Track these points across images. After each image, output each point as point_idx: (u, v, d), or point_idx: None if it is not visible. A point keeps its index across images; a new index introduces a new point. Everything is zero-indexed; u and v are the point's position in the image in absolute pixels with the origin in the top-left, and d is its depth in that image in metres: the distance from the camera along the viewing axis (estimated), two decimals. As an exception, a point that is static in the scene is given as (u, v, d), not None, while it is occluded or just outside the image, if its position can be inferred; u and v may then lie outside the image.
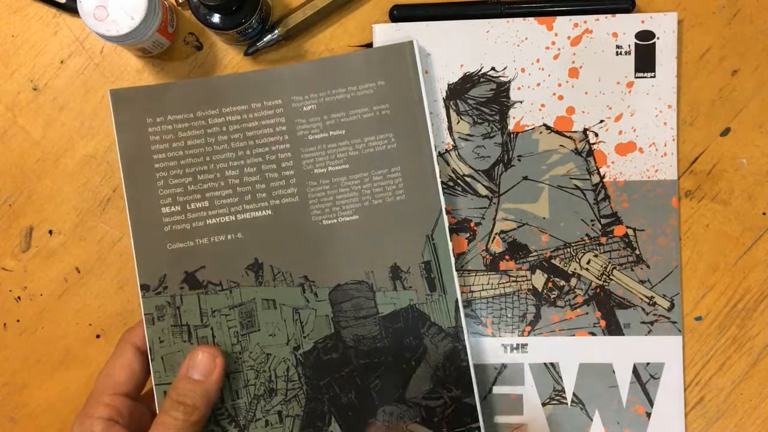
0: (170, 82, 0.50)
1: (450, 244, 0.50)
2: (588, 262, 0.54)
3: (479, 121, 0.54)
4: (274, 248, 0.49)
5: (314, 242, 0.50)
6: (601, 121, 0.54)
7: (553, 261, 0.54)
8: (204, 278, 0.49)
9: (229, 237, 0.49)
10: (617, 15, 0.54)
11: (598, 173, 0.54)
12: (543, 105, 0.54)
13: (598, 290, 0.53)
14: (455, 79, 0.54)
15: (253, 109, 0.50)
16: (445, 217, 0.50)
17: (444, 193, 0.54)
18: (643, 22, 0.53)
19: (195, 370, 0.46)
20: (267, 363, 0.49)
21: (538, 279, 0.54)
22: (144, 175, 0.49)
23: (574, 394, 0.53)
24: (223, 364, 0.47)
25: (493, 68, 0.54)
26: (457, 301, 0.50)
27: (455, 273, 0.50)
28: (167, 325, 0.49)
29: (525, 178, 0.54)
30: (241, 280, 0.49)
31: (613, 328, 0.53)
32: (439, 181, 0.50)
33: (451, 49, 0.54)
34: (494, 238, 0.54)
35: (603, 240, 0.54)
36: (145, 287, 0.49)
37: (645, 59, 0.54)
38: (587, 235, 0.54)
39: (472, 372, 0.49)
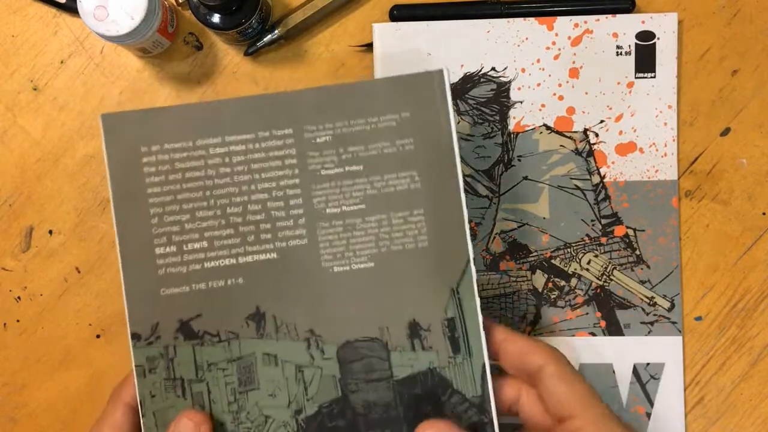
0: (168, 106, 0.45)
1: (478, 299, 0.43)
2: (588, 263, 0.54)
3: (479, 121, 0.54)
4: (278, 296, 0.44)
5: (323, 291, 0.44)
6: (602, 122, 0.54)
7: (553, 261, 0.54)
8: (200, 328, 0.44)
9: (229, 282, 0.44)
10: (617, 15, 0.54)
11: (599, 173, 0.54)
12: (543, 105, 0.54)
13: (598, 290, 0.54)
14: (455, 79, 0.54)
15: (259, 138, 0.44)
16: (473, 268, 0.43)
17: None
18: (643, 22, 0.53)
19: None
20: (265, 426, 0.44)
21: (539, 279, 0.54)
22: (137, 212, 0.43)
23: (574, 394, 0.53)
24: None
25: (493, 68, 0.54)
26: (484, 365, 0.42)
27: (483, 333, 0.43)
28: (159, 378, 0.43)
29: (525, 178, 0.54)
30: (241, 332, 0.44)
31: (613, 329, 0.53)
32: (467, 227, 0.43)
33: (451, 49, 0.54)
34: (494, 238, 0.54)
35: (603, 240, 0.54)
36: (136, 336, 0.43)
37: (645, 59, 0.54)
38: (587, 235, 0.54)
39: None
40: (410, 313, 0.44)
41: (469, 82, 0.54)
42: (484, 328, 0.42)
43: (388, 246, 0.44)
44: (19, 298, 0.55)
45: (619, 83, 0.54)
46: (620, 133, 0.54)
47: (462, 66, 0.54)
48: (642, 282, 0.53)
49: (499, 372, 0.44)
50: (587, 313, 0.53)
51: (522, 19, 0.54)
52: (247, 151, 0.44)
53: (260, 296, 0.44)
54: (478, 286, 0.43)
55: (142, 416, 0.43)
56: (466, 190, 0.54)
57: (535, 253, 0.54)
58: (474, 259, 0.43)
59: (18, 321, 0.55)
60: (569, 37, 0.54)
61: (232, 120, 0.44)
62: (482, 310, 0.54)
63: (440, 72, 0.44)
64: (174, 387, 0.43)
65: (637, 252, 0.53)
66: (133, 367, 0.43)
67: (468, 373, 0.43)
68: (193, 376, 0.43)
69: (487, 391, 0.43)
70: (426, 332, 0.43)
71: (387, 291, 0.44)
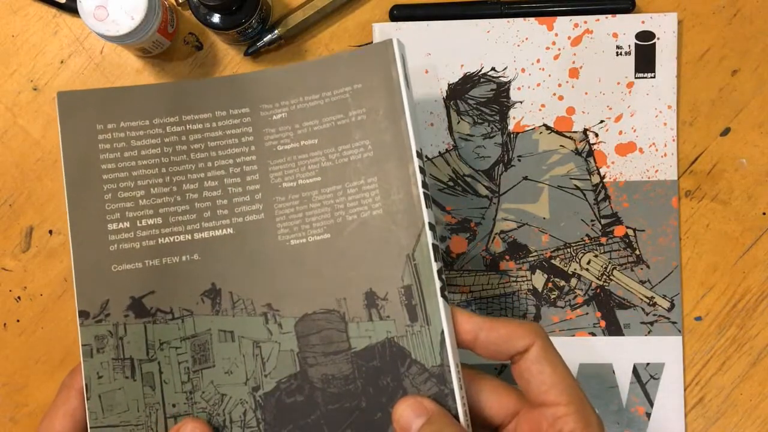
0: (127, 86, 0.45)
1: (434, 264, 0.41)
2: (588, 263, 0.54)
3: (479, 121, 0.54)
4: (234, 272, 0.43)
5: (280, 265, 0.44)
6: (602, 122, 0.54)
7: (553, 261, 0.54)
8: (152, 305, 0.43)
9: (183, 258, 0.43)
10: (617, 15, 0.54)
11: (598, 173, 0.54)
12: (543, 105, 0.54)
13: (598, 290, 0.54)
14: (455, 79, 0.54)
15: (217, 117, 0.45)
16: (429, 233, 0.42)
17: (444, 192, 0.54)
18: (643, 22, 0.53)
19: None
20: (221, 405, 0.43)
21: (538, 279, 0.54)
22: (89, 187, 0.43)
23: (574, 394, 0.53)
24: None
25: (493, 68, 0.54)
26: (442, 333, 0.41)
27: (441, 300, 0.41)
28: (107, 358, 0.42)
29: (525, 178, 0.54)
30: (196, 308, 0.43)
31: (613, 329, 0.53)
32: (422, 192, 0.42)
33: (451, 49, 0.54)
34: (494, 238, 0.54)
35: (603, 240, 0.54)
36: (83, 314, 0.42)
37: (645, 59, 0.54)
38: (587, 235, 0.54)
39: (462, 419, 0.40)
40: (367, 283, 0.43)
41: (469, 82, 0.54)
42: (454, 316, 0.41)
43: (343, 216, 0.44)
44: (19, 298, 0.55)
45: (618, 83, 0.54)
46: (620, 133, 0.54)
47: (462, 66, 0.54)
48: (642, 282, 0.53)
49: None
50: (587, 313, 0.53)
51: (522, 19, 0.54)
52: (204, 130, 0.45)
53: (216, 272, 0.43)
54: (437, 252, 0.42)
55: (87, 399, 0.41)
56: (466, 190, 0.54)
57: (535, 253, 0.54)
58: (431, 224, 0.42)
59: (18, 321, 0.55)
60: (569, 37, 0.54)
61: (190, 101, 0.45)
62: (482, 310, 0.54)
63: (389, 42, 0.44)
64: (123, 368, 0.42)
65: (637, 252, 0.53)
66: (80, 346, 0.42)
67: (426, 342, 0.42)
68: (144, 355, 0.42)
69: (447, 360, 0.41)
70: (383, 301, 0.42)
71: (344, 262, 0.43)
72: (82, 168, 0.43)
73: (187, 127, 0.45)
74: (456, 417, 0.40)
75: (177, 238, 0.44)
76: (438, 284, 0.42)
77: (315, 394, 0.43)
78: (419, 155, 0.43)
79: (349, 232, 0.44)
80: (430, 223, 0.42)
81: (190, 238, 0.44)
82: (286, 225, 0.44)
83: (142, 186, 0.44)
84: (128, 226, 0.43)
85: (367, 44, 0.45)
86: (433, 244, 0.42)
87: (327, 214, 0.44)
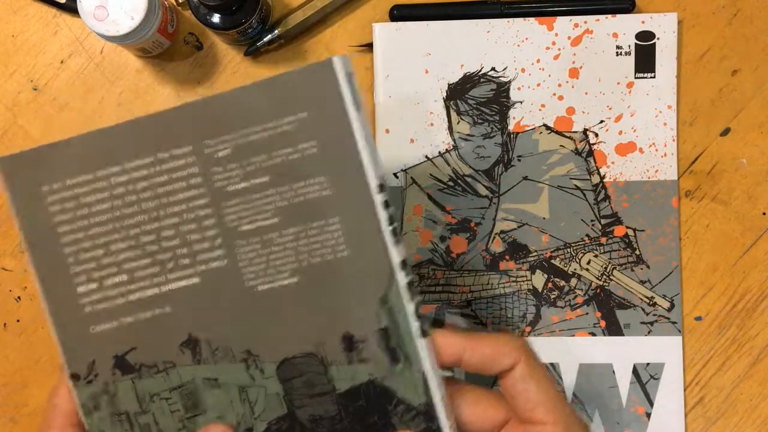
0: (64, 139, 0.43)
1: (409, 306, 0.40)
2: (588, 263, 0.54)
3: (479, 121, 0.54)
4: (208, 321, 0.43)
5: (252, 311, 0.42)
6: (601, 122, 0.54)
7: (553, 261, 0.54)
8: (136, 361, 0.43)
9: (156, 312, 0.43)
10: (617, 15, 0.54)
11: (598, 173, 0.54)
12: (543, 105, 0.54)
13: (598, 290, 0.54)
14: (455, 79, 0.54)
15: (160, 160, 0.42)
16: (400, 273, 0.40)
17: (444, 192, 0.54)
18: (643, 22, 0.53)
19: None
20: None
21: (538, 279, 0.54)
22: (52, 253, 0.43)
23: (574, 394, 0.53)
24: None
25: (493, 68, 0.54)
26: (424, 373, 0.40)
27: (419, 340, 0.40)
28: (105, 414, 0.43)
29: (525, 178, 0.54)
30: (177, 360, 0.43)
31: (613, 329, 0.53)
32: (388, 231, 0.40)
33: (451, 49, 0.54)
34: (494, 238, 0.54)
35: (603, 240, 0.54)
36: (75, 377, 0.43)
37: (645, 59, 0.54)
38: (587, 235, 0.54)
39: None
40: (343, 326, 0.42)
41: (469, 82, 0.54)
42: (435, 342, 0.41)
43: (308, 259, 0.42)
44: (19, 298, 0.55)
45: (618, 83, 0.54)
46: (620, 133, 0.54)
47: (462, 66, 0.54)
48: (642, 282, 0.53)
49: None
50: (587, 313, 0.53)
51: (522, 19, 0.54)
52: (149, 176, 0.42)
53: (191, 322, 0.43)
54: (412, 291, 0.41)
55: None
56: (466, 190, 0.54)
57: (535, 253, 0.54)
58: (403, 263, 0.41)
59: (18, 321, 0.55)
60: (569, 37, 0.54)
61: (128, 144, 0.42)
62: (482, 310, 0.54)
63: (329, 62, 0.40)
64: (120, 421, 0.43)
65: (637, 252, 0.53)
66: (78, 407, 0.43)
67: (410, 381, 0.41)
68: (138, 408, 0.43)
69: (432, 398, 0.41)
70: (361, 344, 0.41)
71: (315, 305, 0.42)
72: (41, 235, 0.43)
73: (132, 175, 0.42)
74: None
75: (145, 293, 0.43)
76: (415, 325, 0.41)
77: None
78: (381, 188, 0.41)
79: (317, 275, 0.42)
80: (402, 261, 0.41)
81: (158, 291, 0.43)
82: (251, 270, 0.42)
83: (100, 244, 0.43)
84: (96, 287, 0.43)
85: (298, 69, 0.41)
86: (407, 283, 0.41)
87: (291, 257, 0.42)
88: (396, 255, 0.41)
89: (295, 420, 0.43)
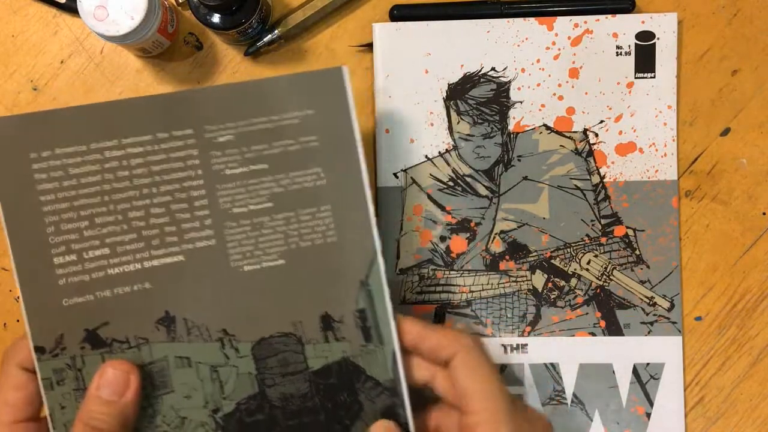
0: (60, 108, 0.43)
1: (387, 289, 0.44)
2: (588, 263, 0.54)
3: (479, 121, 0.54)
4: (187, 299, 0.43)
5: (234, 291, 0.44)
6: (601, 122, 0.54)
7: (553, 261, 0.54)
8: (108, 336, 0.43)
9: (135, 288, 0.43)
10: (617, 15, 0.54)
11: (598, 173, 0.54)
12: (543, 105, 0.54)
13: (598, 290, 0.54)
14: (455, 79, 0.54)
15: (159, 139, 0.43)
16: (381, 260, 0.44)
17: (444, 192, 0.54)
18: (643, 22, 0.53)
19: (106, 389, 0.41)
20: (182, 428, 0.43)
21: (538, 279, 0.54)
22: (31, 222, 0.42)
23: (574, 395, 0.53)
24: (138, 382, 0.41)
25: (493, 68, 0.54)
26: (394, 352, 0.44)
27: (393, 321, 0.44)
28: (69, 389, 0.42)
29: (525, 178, 0.54)
30: (151, 336, 0.43)
31: (613, 329, 0.53)
32: (374, 221, 0.44)
33: (451, 49, 0.54)
34: (494, 238, 0.54)
35: (603, 240, 0.54)
36: (39, 350, 0.42)
37: (645, 59, 0.54)
38: (587, 235, 0.54)
39: (411, 427, 0.44)
40: (322, 307, 0.44)
41: (469, 82, 0.54)
42: (399, 326, 0.44)
43: (297, 243, 0.44)
44: (18, 298, 0.55)
45: (618, 83, 0.54)
46: (620, 133, 0.54)
47: (462, 66, 0.54)
48: (642, 282, 0.53)
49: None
50: (587, 313, 0.53)
51: (522, 19, 0.54)
52: (146, 153, 0.43)
53: (169, 300, 0.43)
54: (389, 276, 0.45)
55: (53, 429, 0.42)
56: (466, 190, 0.54)
57: (535, 253, 0.54)
58: (381, 251, 0.44)
59: (18, 321, 0.55)
60: (569, 37, 0.54)
61: (128, 121, 0.43)
62: (482, 310, 0.54)
63: (339, 69, 0.44)
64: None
65: (637, 252, 0.53)
66: (39, 381, 0.42)
67: (380, 359, 0.44)
68: None
69: (398, 375, 0.44)
70: (338, 324, 0.44)
71: (299, 287, 0.44)
72: (20, 201, 0.42)
73: (128, 150, 0.43)
74: (406, 425, 0.43)
75: (126, 268, 0.43)
76: (389, 307, 0.44)
77: (275, 412, 0.44)
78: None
79: (304, 258, 0.44)
80: (381, 251, 0.44)
81: (139, 267, 0.43)
82: (238, 251, 0.44)
83: (85, 216, 0.42)
84: (75, 258, 0.42)
85: (312, 71, 0.44)
86: (384, 270, 0.44)
87: (280, 240, 0.44)
88: (379, 243, 0.44)
89: (265, 399, 0.44)
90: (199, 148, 0.43)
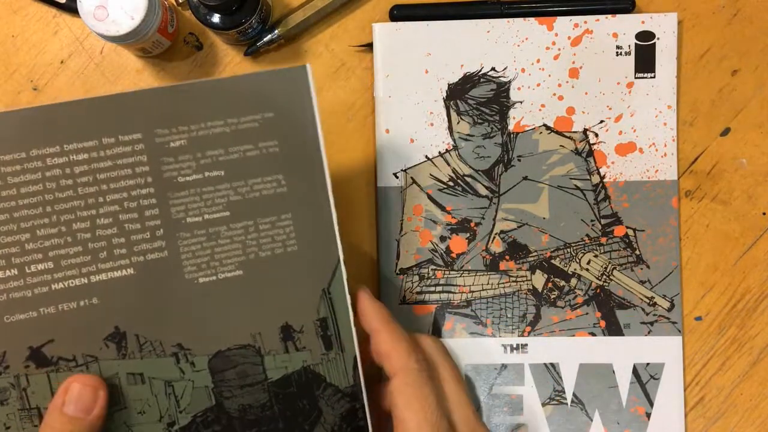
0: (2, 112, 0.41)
1: (348, 297, 0.43)
2: (588, 263, 0.54)
3: (479, 121, 0.54)
4: (139, 314, 0.41)
5: (189, 304, 0.42)
6: (601, 122, 0.54)
7: (553, 261, 0.54)
8: (53, 354, 0.40)
9: (81, 304, 0.41)
10: (617, 15, 0.54)
11: (598, 173, 0.54)
12: (543, 105, 0.54)
13: (598, 290, 0.54)
14: (455, 79, 0.54)
15: (104, 145, 0.40)
16: (344, 268, 0.43)
17: (444, 192, 0.54)
18: (643, 22, 0.53)
19: (72, 405, 0.39)
20: None
21: (538, 279, 0.54)
22: None
23: (574, 395, 0.53)
24: (106, 398, 0.40)
25: (493, 68, 0.54)
26: (355, 358, 0.43)
27: (354, 329, 0.43)
28: (13, 409, 0.40)
29: (525, 178, 0.54)
30: (100, 354, 0.41)
31: (613, 329, 0.53)
32: (337, 228, 0.43)
33: (451, 49, 0.54)
34: (494, 238, 0.54)
35: (603, 240, 0.54)
36: None
37: (645, 59, 0.54)
38: (587, 235, 0.54)
39: (370, 430, 0.44)
40: (282, 317, 0.43)
41: (469, 82, 0.54)
42: (358, 307, 0.44)
43: (256, 252, 0.42)
44: None
45: (618, 83, 0.54)
46: (620, 133, 0.54)
47: (462, 66, 0.54)
48: (642, 282, 0.53)
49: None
50: (587, 313, 0.53)
51: (522, 19, 0.54)
52: (91, 160, 0.40)
53: (119, 315, 0.41)
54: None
55: None
56: (466, 190, 0.54)
57: (535, 253, 0.54)
58: (343, 259, 0.43)
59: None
60: (569, 37, 0.54)
61: (70, 126, 0.40)
62: (482, 310, 0.54)
63: (302, 68, 0.41)
64: (30, 417, 0.41)
65: (637, 252, 0.53)
66: None
67: (341, 366, 0.43)
68: (47, 404, 0.41)
69: (359, 381, 0.43)
70: (299, 333, 0.43)
71: (258, 298, 0.42)
72: None
73: (71, 158, 0.40)
74: (365, 425, 0.44)
75: (72, 283, 0.41)
76: (351, 315, 0.43)
77: (233, 422, 0.43)
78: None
79: (263, 269, 0.43)
80: (343, 259, 0.43)
81: (86, 281, 0.41)
82: (192, 262, 0.42)
83: (26, 228, 0.40)
84: (16, 273, 0.40)
85: (271, 71, 0.42)
86: (346, 277, 0.43)
87: (238, 250, 0.42)
88: (341, 251, 0.43)
89: (222, 410, 0.43)
90: (148, 154, 0.41)
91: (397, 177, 0.54)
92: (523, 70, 0.54)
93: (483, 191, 0.54)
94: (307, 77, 0.41)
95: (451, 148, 0.54)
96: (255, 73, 0.42)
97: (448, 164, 0.54)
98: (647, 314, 0.53)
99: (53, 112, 0.40)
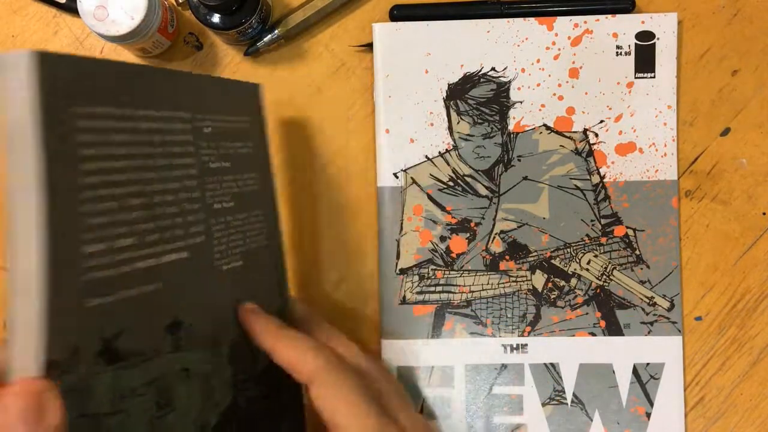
0: (101, 58, 0.37)
1: (289, 288, 0.48)
2: (588, 263, 0.54)
3: (479, 121, 0.54)
4: (188, 301, 0.37)
5: (217, 291, 0.40)
6: (601, 122, 0.54)
7: (553, 261, 0.54)
8: (123, 347, 0.33)
9: (151, 288, 0.35)
10: (617, 15, 0.54)
11: (598, 173, 0.54)
12: (543, 105, 0.54)
13: (598, 290, 0.54)
14: (455, 79, 0.54)
15: (169, 117, 0.37)
16: (286, 261, 0.47)
17: (444, 192, 0.54)
18: (643, 22, 0.53)
19: (19, 417, 0.29)
20: None
21: (538, 279, 0.54)
22: (66, 193, 0.31)
23: (574, 395, 0.53)
24: (61, 405, 0.30)
25: (493, 68, 0.54)
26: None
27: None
28: (72, 417, 0.31)
29: (525, 178, 0.54)
30: (160, 346, 0.35)
31: (613, 329, 0.53)
32: (281, 225, 0.47)
33: (451, 49, 0.54)
34: (494, 238, 0.54)
35: (603, 240, 0.54)
36: (53, 365, 0.30)
37: (645, 59, 0.54)
38: (587, 235, 0.54)
39: None
40: (270, 307, 0.43)
41: (469, 82, 0.54)
42: (247, 325, 0.42)
43: (249, 244, 0.43)
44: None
45: (618, 83, 0.54)
46: (620, 133, 0.54)
47: (462, 66, 0.54)
48: (642, 282, 0.53)
49: None
50: (587, 313, 0.53)
51: (522, 19, 0.54)
52: (164, 131, 0.36)
53: (176, 303, 0.37)
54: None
55: None
56: (466, 190, 0.54)
57: (534, 253, 0.54)
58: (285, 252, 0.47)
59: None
60: (569, 37, 0.54)
61: (152, 90, 0.36)
62: (482, 310, 0.54)
63: (260, 87, 0.47)
64: (88, 427, 0.32)
65: (637, 252, 0.53)
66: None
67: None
68: (109, 409, 0.33)
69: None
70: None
71: (249, 287, 0.43)
72: (60, 165, 0.30)
73: (151, 125, 0.36)
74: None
75: (148, 263, 0.35)
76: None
77: (245, 416, 0.42)
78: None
79: (254, 260, 0.43)
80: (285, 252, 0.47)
81: (156, 262, 0.35)
82: (218, 249, 0.40)
83: (118, 195, 0.33)
84: (104, 247, 0.32)
85: (244, 82, 0.47)
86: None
87: (240, 240, 0.42)
88: (284, 244, 0.47)
89: (237, 406, 0.41)
90: (192, 135, 0.38)
91: (397, 177, 0.54)
92: (523, 70, 0.54)
93: (483, 191, 0.54)
94: (260, 94, 0.47)
95: (451, 148, 0.54)
96: (239, 81, 0.46)
97: (448, 164, 0.54)
98: (647, 314, 0.53)
99: (149, 73, 0.36)
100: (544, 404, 0.53)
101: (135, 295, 0.34)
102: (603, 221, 0.54)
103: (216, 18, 0.51)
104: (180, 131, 0.38)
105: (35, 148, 0.29)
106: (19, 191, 0.29)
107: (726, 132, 0.55)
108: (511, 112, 0.54)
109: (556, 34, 0.54)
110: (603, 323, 0.53)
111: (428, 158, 0.54)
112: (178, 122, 0.38)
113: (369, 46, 0.55)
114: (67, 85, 0.31)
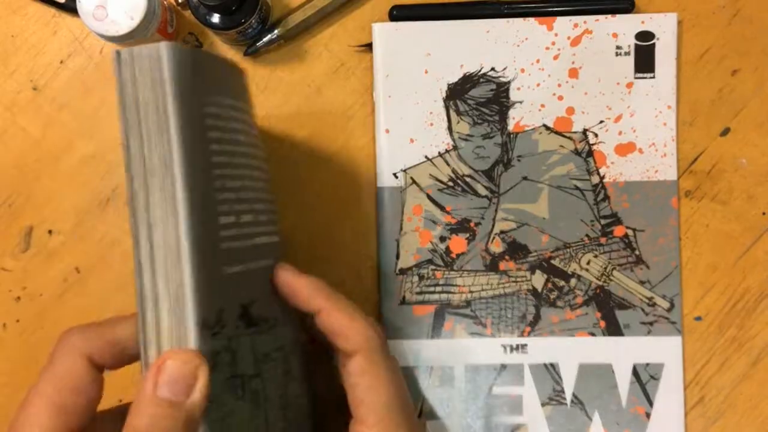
0: (212, 53, 0.39)
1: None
2: (588, 263, 0.54)
3: (479, 121, 0.54)
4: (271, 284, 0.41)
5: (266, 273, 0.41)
6: (601, 122, 0.54)
7: (552, 261, 0.54)
8: (257, 313, 0.37)
9: (269, 262, 0.38)
10: (617, 15, 0.54)
11: (598, 174, 0.54)
12: (543, 105, 0.54)
13: (597, 291, 0.53)
14: (455, 79, 0.54)
15: (245, 109, 0.40)
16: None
17: (444, 192, 0.54)
18: (643, 22, 0.53)
19: (167, 386, 0.31)
20: (308, 419, 0.39)
21: (538, 279, 0.54)
22: (202, 170, 0.34)
23: (573, 395, 0.53)
24: (208, 378, 0.32)
25: (493, 68, 0.54)
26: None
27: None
28: (223, 377, 0.33)
29: (525, 178, 0.54)
30: (281, 316, 0.38)
31: (613, 329, 0.53)
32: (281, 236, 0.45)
33: (451, 49, 0.54)
34: (494, 238, 0.54)
35: (603, 240, 0.54)
36: (204, 324, 0.32)
37: (645, 60, 0.53)
38: (587, 235, 0.54)
39: None
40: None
41: (468, 82, 0.54)
42: (295, 286, 0.40)
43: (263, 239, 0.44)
44: (19, 298, 0.55)
45: (618, 83, 0.54)
46: (620, 133, 0.54)
47: (462, 66, 0.54)
48: (641, 282, 0.53)
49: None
50: (587, 314, 0.53)
51: (522, 19, 0.54)
52: (248, 122, 0.40)
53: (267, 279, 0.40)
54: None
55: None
56: (466, 190, 0.54)
57: (534, 253, 0.54)
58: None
59: (18, 321, 0.55)
60: (569, 37, 0.54)
61: (240, 84, 0.40)
62: (482, 310, 0.54)
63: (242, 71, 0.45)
64: (234, 387, 0.35)
65: (637, 252, 0.53)
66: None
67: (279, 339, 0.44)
68: (251, 371, 0.35)
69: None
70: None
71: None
72: (196, 148, 0.34)
73: (245, 116, 0.40)
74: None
75: (263, 240, 0.38)
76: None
77: (276, 406, 0.41)
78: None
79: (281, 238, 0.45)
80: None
81: (269, 240, 0.39)
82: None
83: (239, 175, 0.37)
84: (233, 220, 0.36)
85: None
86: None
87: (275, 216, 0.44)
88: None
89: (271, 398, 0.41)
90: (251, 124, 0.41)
91: (396, 177, 0.54)
92: (522, 70, 0.54)
93: (483, 191, 0.54)
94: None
95: (451, 148, 0.54)
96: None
97: (448, 164, 0.54)
98: (647, 314, 0.53)
99: (236, 69, 0.40)
100: (543, 404, 0.53)
101: (258, 267, 0.37)
102: (603, 221, 0.54)
103: (216, 18, 0.50)
104: (252, 123, 0.41)
105: (178, 130, 0.32)
106: (159, 169, 0.33)
107: (726, 132, 0.55)
108: (511, 112, 0.54)
109: (556, 34, 0.54)
110: (603, 323, 0.53)
111: (428, 158, 0.54)
112: (248, 114, 0.41)
113: (369, 46, 0.55)
114: (194, 75, 0.34)
